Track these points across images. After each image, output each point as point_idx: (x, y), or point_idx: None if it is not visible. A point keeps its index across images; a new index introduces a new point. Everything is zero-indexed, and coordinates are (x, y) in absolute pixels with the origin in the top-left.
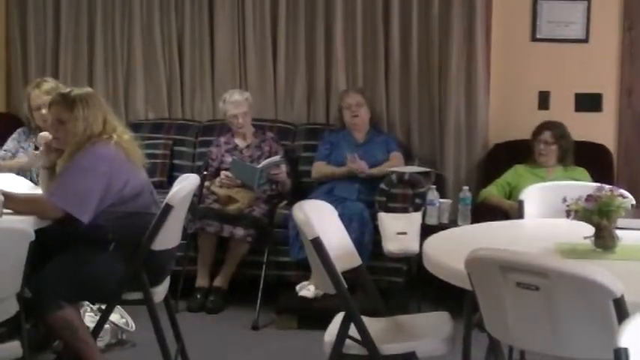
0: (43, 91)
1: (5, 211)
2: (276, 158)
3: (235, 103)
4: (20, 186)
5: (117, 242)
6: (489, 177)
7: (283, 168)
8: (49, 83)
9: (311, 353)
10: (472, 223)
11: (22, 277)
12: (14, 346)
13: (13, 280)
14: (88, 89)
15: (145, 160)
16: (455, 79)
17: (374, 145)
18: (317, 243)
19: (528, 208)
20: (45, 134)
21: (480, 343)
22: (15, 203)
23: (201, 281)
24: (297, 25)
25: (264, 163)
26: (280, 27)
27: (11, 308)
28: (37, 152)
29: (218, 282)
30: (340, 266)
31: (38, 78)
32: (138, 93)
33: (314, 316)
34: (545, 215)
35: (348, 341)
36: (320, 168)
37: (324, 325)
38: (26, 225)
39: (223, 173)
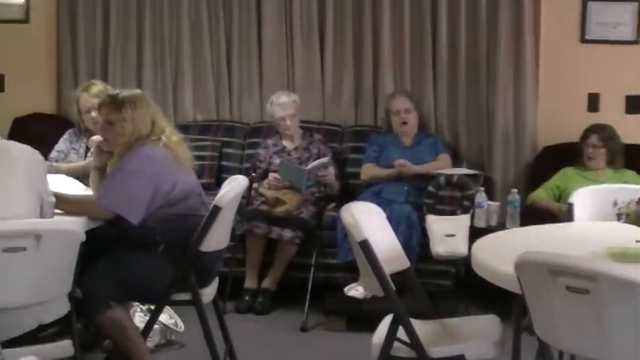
0: (92, 94)
1: (56, 211)
2: (324, 160)
3: (283, 105)
4: (71, 187)
5: (166, 244)
6: (538, 180)
7: (331, 170)
8: (98, 86)
9: (359, 355)
10: (521, 226)
11: (73, 277)
12: (66, 345)
13: (65, 280)
14: (137, 91)
15: (193, 162)
16: (503, 80)
17: (422, 148)
18: (365, 245)
19: (578, 211)
20: (97, 138)
21: (529, 347)
22: (66, 204)
23: (250, 283)
24: (345, 26)
25: (311, 164)
26: (328, 28)
27: (63, 308)
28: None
29: (266, 283)
30: (388, 269)
31: (87, 81)
32: (186, 95)
33: (362, 318)
34: (595, 218)
35: (396, 344)
36: (369, 170)
37: (372, 327)
38: (77, 226)
39: (271, 175)
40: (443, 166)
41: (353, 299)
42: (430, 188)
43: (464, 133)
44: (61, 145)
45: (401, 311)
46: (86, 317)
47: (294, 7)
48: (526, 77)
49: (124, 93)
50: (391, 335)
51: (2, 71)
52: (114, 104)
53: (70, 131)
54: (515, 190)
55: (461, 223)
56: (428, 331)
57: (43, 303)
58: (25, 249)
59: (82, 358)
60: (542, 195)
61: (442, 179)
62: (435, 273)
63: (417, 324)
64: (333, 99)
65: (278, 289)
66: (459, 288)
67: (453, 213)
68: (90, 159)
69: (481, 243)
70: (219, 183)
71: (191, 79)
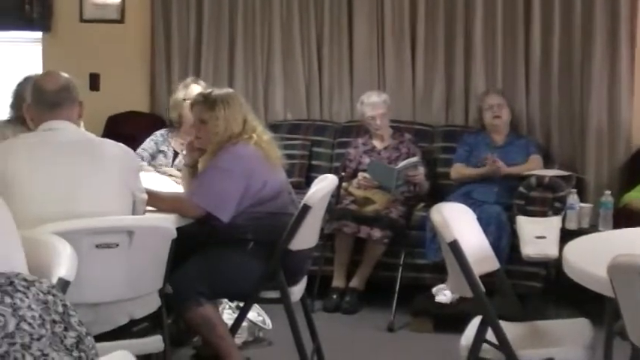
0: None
1: (148, 208)
2: (414, 159)
3: (373, 104)
4: (163, 184)
5: (255, 242)
6: (632, 181)
7: (421, 170)
8: (195, 85)
9: (446, 357)
10: (613, 228)
11: (164, 273)
12: (156, 340)
13: (156, 277)
14: (229, 90)
15: (283, 161)
16: (597, 80)
17: (513, 149)
18: (455, 246)
19: None
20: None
21: (621, 353)
22: (158, 201)
23: (338, 282)
24: (436, 25)
25: (401, 164)
26: (419, 27)
27: (153, 303)
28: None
29: (354, 283)
30: (478, 270)
31: (181, 79)
32: (277, 94)
33: (450, 319)
34: None
35: (485, 346)
36: (459, 169)
37: (459, 328)
38: (169, 223)
39: (361, 174)
40: (534, 168)
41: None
42: (521, 189)
43: (556, 133)
44: (147, 143)
45: (490, 313)
46: (176, 313)
47: (386, 6)
48: (621, 75)
49: (217, 92)
50: (480, 337)
51: (97, 70)
52: (207, 103)
53: (157, 133)
54: (609, 192)
55: (552, 224)
56: (517, 333)
57: (135, 298)
58: (117, 245)
59: (171, 354)
60: (636, 196)
61: (533, 180)
62: (525, 275)
63: (506, 326)
64: (424, 98)
65: (366, 288)
66: (549, 290)
67: (543, 214)
68: (164, 160)
69: (573, 245)
70: (308, 182)
71: (282, 78)
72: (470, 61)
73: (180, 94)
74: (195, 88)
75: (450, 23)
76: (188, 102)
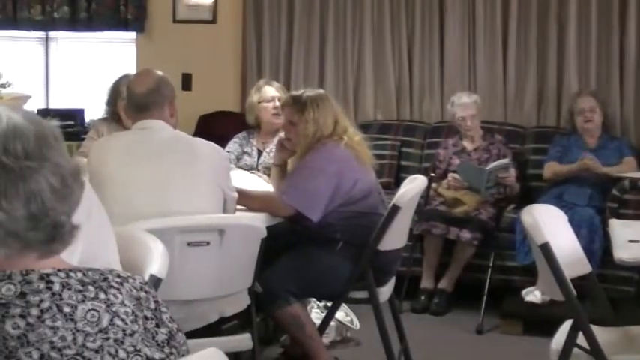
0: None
1: (238, 207)
2: (505, 161)
3: (463, 105)
4: (253, 183)
5: (345, 241)
6: None
7: (512, 172)
8: (268, 86)
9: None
10: None
11: (253, 272)
12: (245, 339)
13: (246, 275)
14: (320, 91)
15: (374, 161)
16: None
17: (606, 152)
18: (546, 248)
19: None
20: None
21: None
22: (248, 200)
23: (426, 283)
24: (529, 25)
25: (492, 165)
26: (511, 27)
27: (243, 302)
28: None
29: (443, 284)
30: (569, 273)
31: (272, 79)
32: (367, 94)
33: (540, 322)
34: None
35: (575, 350)
36: (552, 167)
37: (549, 331)
38: (259, 222)
39: (451, 175)
40: (628, 170)
41: (531, 303)
42: (614, 192)
43: None
44: (231, 146)
45: (581, 317)
46: (265, 312)
47: (478, 5)
48: None
49: (308, 93)
50: (571, 341)
51: (190, 70)
52: (297, 105)
53: (239, 135)
54: None
55: None
56: (609, 338)
57: (225, 296)
58: (208, 243)
59: (260, 352)
60: None
61: (627, 183)
62: (618, 279)
63: (597, 331)
64: (516, 99)
65: (454, 290)
66: None
67: (637, 218)
68: (250, 160)
69: None
70: (397, 182)
71: (372, 78)
72: (562, 60)
73: (254, 97)
74: (269, 90)
75: (543, 22)
76: (263, 104)
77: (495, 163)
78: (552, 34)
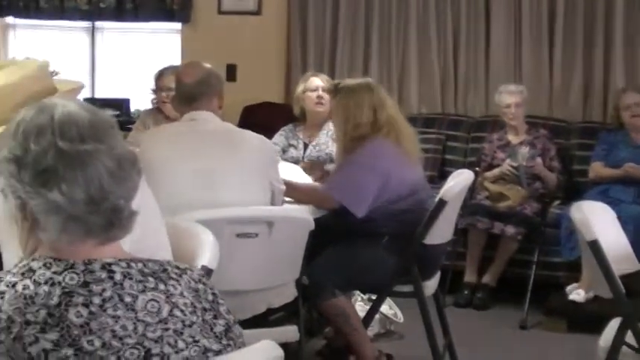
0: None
1: (286, 199)
2: (523, 150)
3: (510, 92)
4: (298, 176)
5: (390, 235)
6: None
7: (539, 160)
8: (314, 77)
9: (580, 358)
10: None
11: (301, 264)
12: (291, 330)
13: (293, 267)
14: (364, 79)
15: (421, 155)
16: None
17: None
18: (595, 246)
19: None
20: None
21: None
22: (296, 192)
23: (470, 277)
24: (575, 17)
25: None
26: (558, 21)
27: (290, 293)
28: None
29: (486, 279)
30: (617, 270)
31: (318, 71)
32: (412, 87)
33: (584, 319)
34: None
35: (624, 348)
36: (597, 169)
37: (594, 329)
38: (307, 214)
39: (507, 163)
40: None
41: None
42: None
43: None
44: (277, 138)
45: (630, 315)
46: (312, 304)
47: (524, 0)
48: None
49: (347, 81)
50: (619, 339)
51: (235, 61)
52: (332, 92)
53: (285, 128)
54: None
55: None
56: None
57: (273, 288)
58: (257, 235)
59: (305, 343)
60: None
61: None
62: None
63: None
64: (561, 94)
65: (498, 285)
66: None
67: None
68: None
69: None
70: (442, 176)
71: (417, 72)
72: (609, 54)
73: (300, 87)
74: (315, 80)
75: (590, 15)
76: (307, 93)
77: (518, 155)
78: (599, 27)
